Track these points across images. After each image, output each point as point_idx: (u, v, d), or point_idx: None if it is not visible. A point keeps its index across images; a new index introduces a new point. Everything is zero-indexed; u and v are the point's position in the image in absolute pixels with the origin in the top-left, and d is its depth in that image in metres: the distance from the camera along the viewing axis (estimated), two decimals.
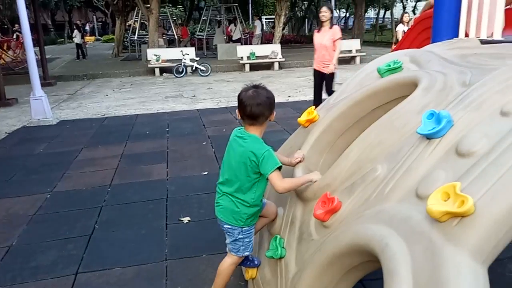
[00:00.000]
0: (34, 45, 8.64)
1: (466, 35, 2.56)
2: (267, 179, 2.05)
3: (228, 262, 2.27)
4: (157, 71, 15.15)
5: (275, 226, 2.29)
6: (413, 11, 39.87)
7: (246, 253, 2.23)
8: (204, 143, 5.80)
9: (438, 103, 1.74)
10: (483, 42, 2.28)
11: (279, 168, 2.02)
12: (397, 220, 1.39)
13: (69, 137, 6.58)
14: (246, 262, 2.35)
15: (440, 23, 2.57)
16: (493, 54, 1.99)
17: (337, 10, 46.57)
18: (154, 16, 17.10)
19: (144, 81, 13.68)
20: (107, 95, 11.13)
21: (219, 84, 12.39)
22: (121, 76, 15.15)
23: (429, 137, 1.57)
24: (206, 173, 4.61)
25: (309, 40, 28.52)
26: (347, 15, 45.92)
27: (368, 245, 1.41)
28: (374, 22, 40.60)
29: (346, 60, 16.34)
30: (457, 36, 2.57)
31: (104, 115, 8.40)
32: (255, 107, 2.02)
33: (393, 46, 9.81)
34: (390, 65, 2.27)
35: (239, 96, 2.08)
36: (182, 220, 3.47)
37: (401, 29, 10.04)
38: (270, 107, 2.07)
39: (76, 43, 21.11)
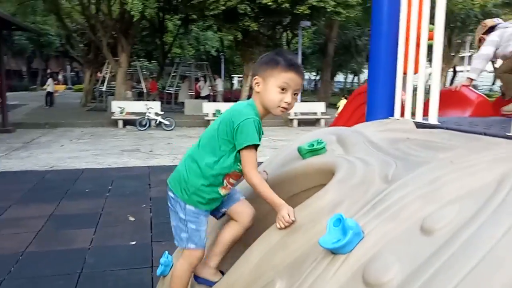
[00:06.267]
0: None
1: (402, 114, 2.30)
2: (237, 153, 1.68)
3: (178, 264, 1.81)
4: (120, 123, 14.80)
5: None
6: None
7: (192, 246, 1.75)
8: (144, 205, 5.31)
9: (353, 201, 1.41)
10: (418, 125, 2.01)
11: (255, 147, 1.65)
12: None
13: (2, 191, 5.94)
14: None
15: (374, 99, 2.33)
16: (425, 142, 1.69)
17: (308, 73, 48.15)
18: (123, 69, 17.06)
19: (105, 133, 13.21)
20: (62, 145, 10.58)
21: (180, 140, 12.04)
22: (84, 126, 14.66)
23: (333, 251, 1.21)
24: (134, 243, 4.11)
25: None
26: (317, 78, 47.41)
27: None
28: (343, 86, 41.96)
29: (311, 122, 16.40)
30: (392, 115, 2.31)
31: (52, 167, 7.84)
32: None
33: None
34: (313, 145, 1.95)
35: None
36: None
37: None
38: (259, 65, 1.74)
39: (48, 91, 20.76)
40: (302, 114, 16.67)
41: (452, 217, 1.10)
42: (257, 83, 1.73)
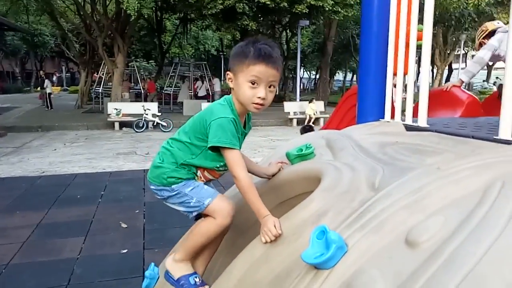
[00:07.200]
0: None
1: (393, 116, 2.23)
2: (211, 151, 1.63)
3: (205, 221, 1.70)
4: (116, 125, 14.67)
5: None
6: None
7: (208, 201, 1.64)
8: (137, 211, 5.23)
9: (339, 210, 1.34)
10: (408, 127, 1.95)
11: (233, 149, 1.58)
12: None
13: None
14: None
15: (365, 101, 2.27)
16: (414, 145, 1.63)
17: (308, 72, 48.14)
18: (119, 69, 16.94)
19: (101, 136, 13.10)
20: (55, 149, 10.47)
21: None
22: (78, 129, 14.55)
23: (316, 266, 1.15)
24: (125, 251, 4.03)
25: (278, 99, 29.06)
26: (317, 77, 47.38)
27: None
28: (342, 84, 41.97)
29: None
30: (383, 117, 2.25)
31: (43, 172, 7.72)
32: None
33: None
34: (302, 150, 1.88)
35: None
36: None
37: None
38: (231, 59, 1.64)
39: (48, 93, 20.59)
40: (301, 113, 16.62)
41: (436, 229, 1.04)
42: (229, 78, 1.64)
